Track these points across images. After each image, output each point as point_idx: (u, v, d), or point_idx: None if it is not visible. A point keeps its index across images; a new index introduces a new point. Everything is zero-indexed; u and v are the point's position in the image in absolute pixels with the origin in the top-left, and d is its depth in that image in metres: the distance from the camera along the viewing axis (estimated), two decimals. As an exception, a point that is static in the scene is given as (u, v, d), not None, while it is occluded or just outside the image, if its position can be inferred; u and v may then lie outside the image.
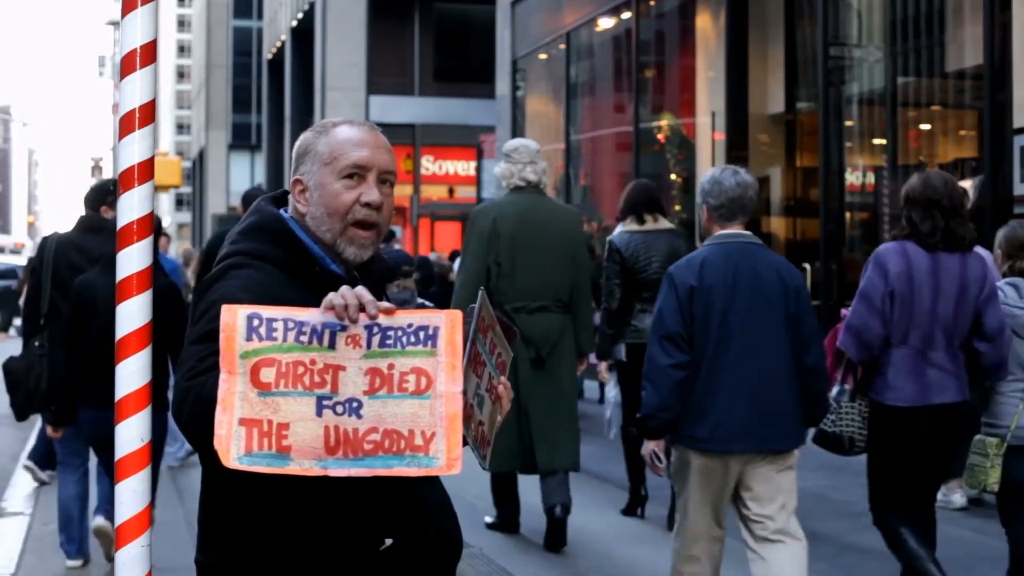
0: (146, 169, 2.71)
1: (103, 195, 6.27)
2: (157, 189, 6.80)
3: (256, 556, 2.31)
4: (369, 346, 2.06)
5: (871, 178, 10.81)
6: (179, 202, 75.64)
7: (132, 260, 2.70)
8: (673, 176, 14.03)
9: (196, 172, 56.00)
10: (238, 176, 46.93)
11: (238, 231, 2.48)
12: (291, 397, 2.02)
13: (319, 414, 2.02)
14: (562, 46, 16.32)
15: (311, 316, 2.06)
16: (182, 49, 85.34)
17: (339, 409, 2.03)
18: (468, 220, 6.61)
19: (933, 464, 4.75)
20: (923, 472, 4.73)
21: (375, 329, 2.06)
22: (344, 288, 2.06)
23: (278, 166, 35.79)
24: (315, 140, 2.43)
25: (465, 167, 28.49)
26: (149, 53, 2.71)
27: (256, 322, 2.04)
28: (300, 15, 31.15)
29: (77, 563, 6.05)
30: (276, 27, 36.27)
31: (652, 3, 14.41)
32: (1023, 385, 4.70)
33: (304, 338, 2.05)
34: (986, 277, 4.61)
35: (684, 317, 4.35)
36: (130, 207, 2.70)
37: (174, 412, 2.17)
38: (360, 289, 2.06)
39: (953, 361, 4.61)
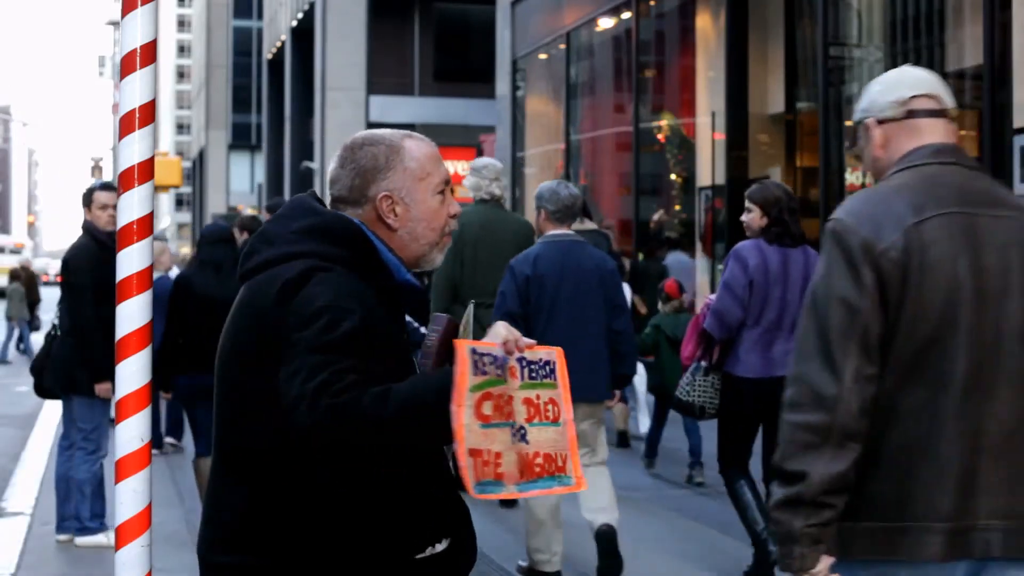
0: (146, 169, 2.71)
1: (83, 198, 6.51)
2: (157, 189, 6.89)
3: (306, 558, 2.26)
4: (523, 378, 2.27)
5: (871, 178, 10.79)
6: (179, 202, 75.63)
7: (132, 260, 2.70)
8: (673, 176, 14.03)
9: (196, 172, 55.99)
10: (238, 176, 46.95)
11: (296, 231, 2.34)
12: (501, 428, 2.21)
13: (513, 442, 2.23)
14: (562, 46, 16.31)
15: (494, 349, 2.24)
16: (182, 49, 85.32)
17: (516, 436, 2.24)
18: None
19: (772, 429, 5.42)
20: (766, 436, 5.61)
21: (524, 362, 2.28)
22: (501, 323, 2.26)
23: (278, 166, 35.78)
24: (392, 154, 2.40)
25: (465, 167, 28.38)
26: (149, 53, 2.71)
27: (475, 356, 2.17)
28: (300, 15, 31.14)
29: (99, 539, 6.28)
30: (276, 27, 36.26)
31: (652, 3, 14.40)
32: None
33: (500, 371, 2.22)
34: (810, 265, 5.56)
35: (521, 299, 5.51)
36: (130, 207, 2.70)
37: (310, 424, 2.08)
38: (508, 325, 2.27)
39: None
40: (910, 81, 2.55)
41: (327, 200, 2.48)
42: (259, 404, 2.25)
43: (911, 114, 2.50)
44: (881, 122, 2.55)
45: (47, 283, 61.37)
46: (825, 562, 2.34)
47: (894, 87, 2.55)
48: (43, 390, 6.54)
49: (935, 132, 2.49)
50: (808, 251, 5.52)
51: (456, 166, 28.78)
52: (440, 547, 2.32)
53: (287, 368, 2.15)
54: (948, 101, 2.53)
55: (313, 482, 2.19)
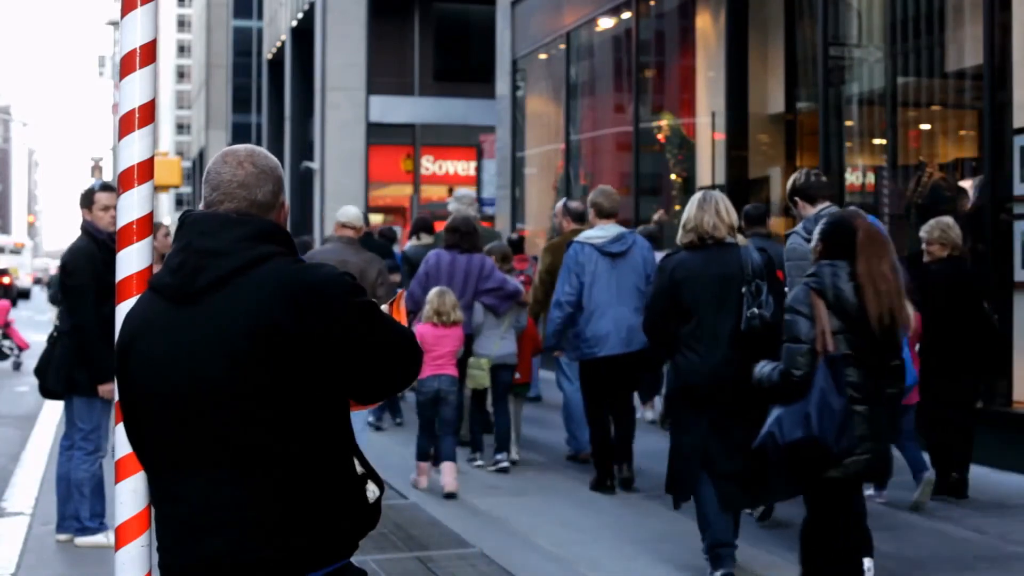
0: (146, 169, 2.71)
1: (82, 198, 6.52)
2: (157, 189, 6.90)
3: (326, 532, 2.44)
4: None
5: (871, 178, 10.81)
6: (179, 202, 75.66)
7: (132, 260, 2.70)
8: (673, 176, 14.03)
9: (196, 172, 56.02)
10: (238, 176, 46.90)
11: (244, 238, 2.45)
12: None
13: None
14: (562, 46, 16.31)
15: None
16: (182, 49, 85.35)
17: None
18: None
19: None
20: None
21: None
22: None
23: (278, 166, 35.71)
24: (281, 170, 2.66)
25: (465, 167, 28.48)
26: (149, 53, 2.71)
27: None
28: (300, 15, 31.14)
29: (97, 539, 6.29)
30: (276, 27, 36.27)
31: (652, 3, 14.40)
32: (496, 333, 8.35)
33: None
34: (483, 265, 8.30)
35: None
36: (130, 207, 2.70)
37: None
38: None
39: (465, 313, 7.91)
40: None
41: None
42: (283, 402, 2.37)
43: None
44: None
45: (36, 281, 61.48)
46: None
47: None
48: (47, 391, 6.54)
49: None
50: (473, 257, 8.26)
51: (456, 166, 28.82)
52: (376, 491, 2.57)
53: (368, 338, 2.46)
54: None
55: (324, 465, 2.42)
